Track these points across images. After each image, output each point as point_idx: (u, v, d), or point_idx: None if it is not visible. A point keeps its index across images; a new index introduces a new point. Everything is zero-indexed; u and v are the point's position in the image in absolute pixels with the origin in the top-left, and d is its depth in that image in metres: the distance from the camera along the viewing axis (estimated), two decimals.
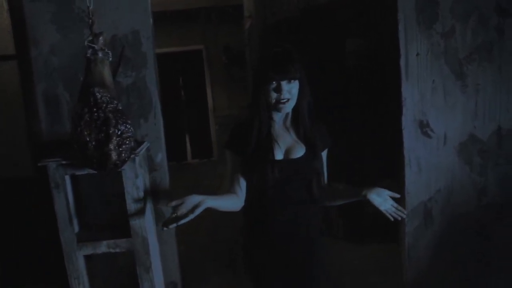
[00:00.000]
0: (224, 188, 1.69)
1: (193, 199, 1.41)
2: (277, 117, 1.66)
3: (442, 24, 2.12)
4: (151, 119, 2.10)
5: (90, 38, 1.70)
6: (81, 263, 1.93)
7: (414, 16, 2.10)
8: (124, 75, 2.06)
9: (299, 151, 1.64)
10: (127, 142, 1.73)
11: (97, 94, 1.70)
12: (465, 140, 2.22)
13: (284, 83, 1.57)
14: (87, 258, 2.03)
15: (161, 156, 2.13)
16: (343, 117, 4.23)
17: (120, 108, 1.74)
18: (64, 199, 1.85)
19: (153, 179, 2.12)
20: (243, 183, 1.65)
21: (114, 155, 1.70)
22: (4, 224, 2.13)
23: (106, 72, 1.75)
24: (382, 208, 1.54)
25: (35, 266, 2.14)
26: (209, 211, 1.49)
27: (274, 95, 1.58)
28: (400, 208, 1.56)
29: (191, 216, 1.39)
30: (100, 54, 1.71)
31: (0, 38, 2.04)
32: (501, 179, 2.26)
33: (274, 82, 1.57)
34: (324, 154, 1.74)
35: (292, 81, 1.58)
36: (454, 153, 2.23)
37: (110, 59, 1.76)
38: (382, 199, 1.54)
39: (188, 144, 7.25)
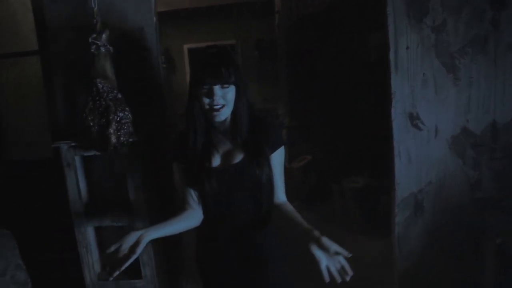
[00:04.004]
0: (179, 204, 1.65)
1: (131, 237, 1.35)
2: (218, 122, 1.58)
3: (433, 17, 2.22)
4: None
5: (94, 35, 1.99)
6: (90, 234, 2.23)
7: (404, 10, 2.22)
8: (131, 68, 2.32)
9: (238, 157, 1.57)
10: (125, 127, 2.00)
11: (99, 84, 1.98)
12: (458, 133, 2.31)
13: (217, 88, 1.49)
14: (98, 231, 2.33)
15: None
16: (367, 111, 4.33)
17: (120, 97, 2.02)
18: (74, 176, 2.16)
19: None
20: (195, 194, 1.62)
21: (113, 139, 1.98)
22: (28, 199, 2.48)
23: (108, 66, 2.03)
24: (323, 263, 1.27)
25: (54, 238, 2.47)
26: None
27: (206, 100, 1.50)
28: (346, 268, 1.27)
29: (133, 257, 1.31)
30: (102, 50, 2.00)
31: (25, 35, 2.38)
32: (497, 173, 2.32)
33: (205, 87, 1.49)
34: (277, 157, 1.61)
35: (226, 86, 1.50)
36: (446, 146, 2.32)
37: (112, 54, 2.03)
38: (324, 253, 1.29)
39: None
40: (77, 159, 2.16)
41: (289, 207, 1.62)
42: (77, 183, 2.17)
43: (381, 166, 4.15)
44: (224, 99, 1.51)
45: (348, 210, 4.37)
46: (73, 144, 2.13)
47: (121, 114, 1.99)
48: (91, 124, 1.99)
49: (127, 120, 2.00)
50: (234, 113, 1.56)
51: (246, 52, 7.17)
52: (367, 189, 4.25)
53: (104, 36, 1.99)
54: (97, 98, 1.98)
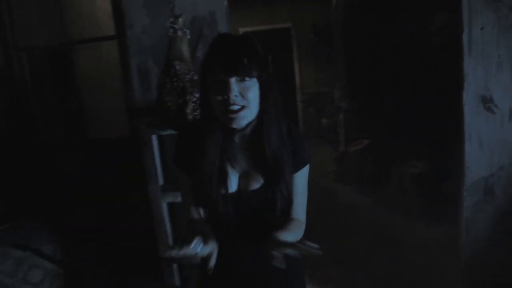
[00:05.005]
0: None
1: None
2: (235, 130, 1.25)
3: None
4: None
5: (172, 19, 2.10)
6: (164, 209, 2.38)
7: None
8: (202, 51, 2.43)
9: (258, 181, 1.27)
10: None
11: (177, 66, 2.09)
12: None
13: (233, 81, 1.15)
14: (172, 208, 2.47)
15: None
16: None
17: (196, 78, 2.12)
18: (151, 154, 2.30)
19: None
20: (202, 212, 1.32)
21: (190, 118, 2.09)
22: (105, 175, 2.66)
23: (185, 48, 2.13)
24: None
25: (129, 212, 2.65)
26: None
27: (219, 98, 1.16)
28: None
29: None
30: (179, 33, 2.10)
31: (104, 21, 2.54)
32: None
33: (219, 79, 1.16)
34: (300, 177, 1.33)
35: (247, 79, 1.16)
36: None
37: (188, 37, 2.14)
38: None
39: None
40: (154, 138, 2.30)
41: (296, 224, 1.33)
42: (153, 161, 2.31)
43: (443, 150, 4.09)
44: (244, 98, 1.16)
45: (406, 194, 4.34)
46: (150, 123, 2.26)
47: (197, 95, 2.09)
48: (169, 104, 2.11)
49: None
50: (259, 119, 1.24)
51: (302, 36, 7.17)
52: (427, 174, 4.20)
53: (180, 20, 2.10)
54: (175, 79, 2.09)
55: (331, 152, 6.16)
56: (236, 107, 1.16)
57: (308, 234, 1.34)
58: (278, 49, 7.32)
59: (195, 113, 2.10)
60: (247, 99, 1.17)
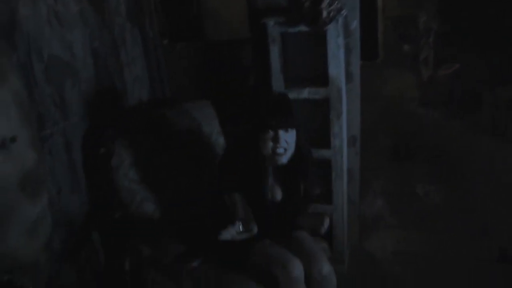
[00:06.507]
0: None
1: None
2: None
3: None
4: None
5: None
6: None
7: None
8: None
9: (279, 194, 1.91)
10: (335, 3, 2.21)
11: None
12: None
13: (281, 132, 1.70)
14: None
15: (355, 24, 2.58)
16: None
17: None
18: (278, 51, 2.44)
19: (347, 44, 2.59)
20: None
21: (324, 13, 2.20)
22: (224, 76, 2.87)
23: None
24: None
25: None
26: None
27: (270, 144, 1.71)
28: None
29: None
30: None
31: None
32: None
33: (271, 131, 1.71)
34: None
35: (290, 129, 1.72)
36: None
37: None
38: None
39: None
40: (281, 35, 2.42)
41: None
42: (280, 58, 2.45)
43: None
44: (287, 143, 1.71)
45: (499, 118, 4.31)
46: (279, 21, 2.39)
47: None
48: (304, 0, 2.22)
49: None
50: (296, 156, 1.79)
51: None
52: None
53: None
54: None
55: (411, 78, 6.06)
56: (281, 150, 1.71)
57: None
58: None
59: (330, 8, 2.20)
60: (288, 143, 1.72)
